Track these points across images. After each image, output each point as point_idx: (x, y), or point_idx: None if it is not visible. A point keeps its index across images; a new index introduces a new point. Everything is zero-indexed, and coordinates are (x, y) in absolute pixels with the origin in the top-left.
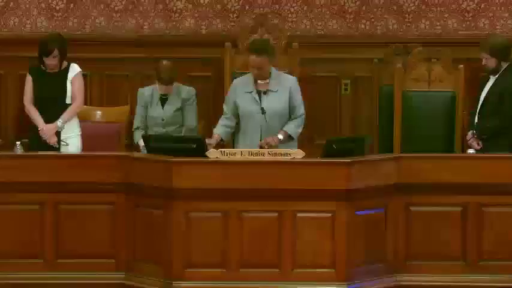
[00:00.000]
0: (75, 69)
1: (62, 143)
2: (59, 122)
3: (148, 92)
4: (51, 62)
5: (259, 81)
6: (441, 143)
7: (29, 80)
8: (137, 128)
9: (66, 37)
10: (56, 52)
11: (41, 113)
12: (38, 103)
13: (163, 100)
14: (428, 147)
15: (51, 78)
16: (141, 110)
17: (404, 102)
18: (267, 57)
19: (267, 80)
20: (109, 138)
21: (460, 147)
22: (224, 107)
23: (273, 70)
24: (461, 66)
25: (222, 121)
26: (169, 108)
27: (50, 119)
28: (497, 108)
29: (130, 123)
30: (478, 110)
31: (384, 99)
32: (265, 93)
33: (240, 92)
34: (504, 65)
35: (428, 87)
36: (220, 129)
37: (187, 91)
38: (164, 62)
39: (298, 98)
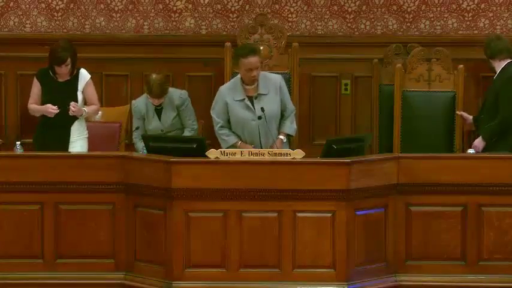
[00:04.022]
0: (84, 76)
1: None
2: (85, 108)
3: (141, 105)
4: (63, 71)
5: (246, 87)
6: (441, 143)
7: (36, 84)
8: (137, 127)
9: (66, 37)
10: (68, 61)
11: (50, 117)
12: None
13: (159, 111)
14: (428, 147)
15: (61, 86)
16: (139, 122)
17: (404, 102)
18: (259, 55)
19: (255, 84)
20: (109, 138)
21: (460, 147)
22: (216, 118)
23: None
24: (461, 66)
25: (224, 130)
26: (166, 118)
27: (58, 122)
28: (496, 108)
29: (130, 123)
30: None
31: (384, 99)
32: (256, 98)
33: (229, 100)
34: (503, 64)
35: (428, 87)
36: (234, 137)
37: (179, 96)
38: (154, 75)
39: (287, 95)
